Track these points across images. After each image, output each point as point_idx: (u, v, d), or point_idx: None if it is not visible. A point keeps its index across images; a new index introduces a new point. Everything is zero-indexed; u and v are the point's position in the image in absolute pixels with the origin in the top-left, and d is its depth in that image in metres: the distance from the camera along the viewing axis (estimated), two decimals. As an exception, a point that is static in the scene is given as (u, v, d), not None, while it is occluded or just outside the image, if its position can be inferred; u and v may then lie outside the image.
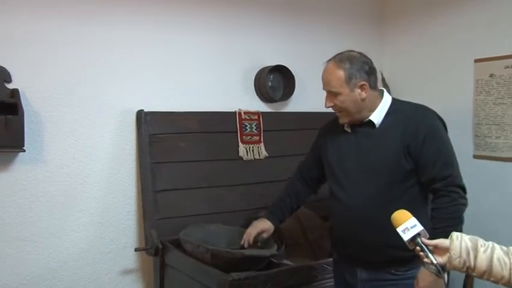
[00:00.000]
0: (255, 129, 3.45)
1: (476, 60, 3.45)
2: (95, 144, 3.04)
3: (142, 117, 3.11)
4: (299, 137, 3.42)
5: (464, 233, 3.16)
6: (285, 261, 2.72)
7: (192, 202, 3.13)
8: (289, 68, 3.55)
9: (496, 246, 1.62)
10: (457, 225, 2.09)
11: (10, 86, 2.75)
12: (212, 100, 3.38)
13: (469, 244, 1.62)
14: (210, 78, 3.40)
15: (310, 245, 2.96)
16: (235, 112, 3.41)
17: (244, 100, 3.52)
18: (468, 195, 3.42)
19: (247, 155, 3.37)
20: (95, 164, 3.05)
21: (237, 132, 3.38)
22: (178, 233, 2.75)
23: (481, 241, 1.64)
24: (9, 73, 2.75)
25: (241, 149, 3.38)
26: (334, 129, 2.41)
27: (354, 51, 2.28)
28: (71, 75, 2.95)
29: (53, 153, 2.91)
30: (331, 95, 2.23)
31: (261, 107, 3.58)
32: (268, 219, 2.57)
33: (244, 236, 2.58)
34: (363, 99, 2.20)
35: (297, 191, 2.62)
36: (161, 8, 3.21)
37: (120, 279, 3.14)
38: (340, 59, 2.21)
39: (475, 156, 3.49)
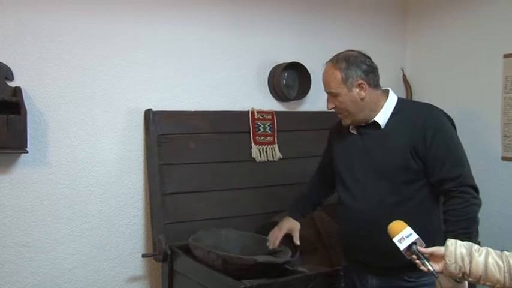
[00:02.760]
0: (269, 130, 3.45)
1: (505, 56, 3.41)
2: (101, 145, 3.05)
3: (151, 117, 3.11)
4: (315, 138, 3.41)
5: (490, 235, 3.15)
6: (300, 268, 2.68)
7: (203, 206, 3.14)
8: (305, 65, 3.54)
9: (490, 250, 1.70)
10: (472, 226, 2.11)
11: (12, 84, 2.77)
12: (224, 99, 3.39)
13: (464, 250, 1.70)
14: (222, 76, 3.40)
15: (326, 251, 2.96)
16: (247, 111, 3.41)
17: (257, 99, 3.52)
18: (495, 198, 3.42)
19: (260, 157, 3.37)
20: (101, 166, 3.06)
21: (249, 132, 3.37)
22: (187, 238, 2.75)
23: (475, 246, 1.72)
24: (11, 70, 2.76)
25: (254, 150, 3.37)
26: (341, 131, 2.49)
27: (352, 50, 2.35)
28: (76, 73, 2.96)
29: (57, 155, 2.92)
30: (331, 96, 2.32)
31: (275, 106, 3.57)
32: (291, 216, 2.68)
33: (271, 238, 2.68)
34: (362, 99, 2.27)
35: (318, 190, 2.72)
36: (169, 5, 3.22)
37: (128, 285, 3.15)
38: (337, 59, 2.30)
39: (504, 158, 3.46)
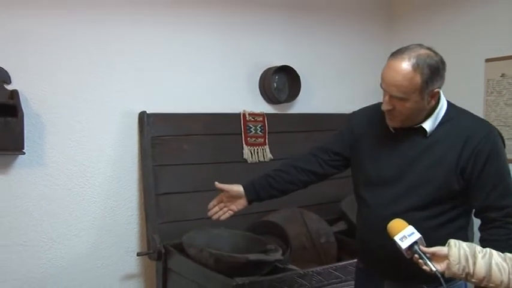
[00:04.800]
0: (260, 131, 3.46)
1: (487, 60, 3.45)
2: (96, 147, 3.06)
3: (145, 119, 3.12)
4: (304, 139, 3.41)
5: (475, 234, 3.11)
6: (290, 266, 2.71)
7: (196, 205, 3.09)
8: (295, 69, 3.55)
9: (493, 252, 1.67)
10: None
11: (9, 87, 2.77)
12: (216, 101, 3.40)
13: (468, 250, 1.66)
14: (214, 79, 3.41)
15: (316, 250, 2.97)
16: (239, 114, 3.42)
17: (248, 101, 3.52)
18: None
19: (251, 158, 3.38)
20: (96, 167, 3.07)
21: (241, 134, 3.38)
22: (181, 237, 2.77)
23: (478, 247, 1.68)
24: (8, 74, 2.76)
25: (246, 151, 3.39)
26: (374, 124, 2.16)
27: (423, 46, 1.99)
28: (72, 76, 2.97)
29: (53, 156, 2.93)
30: (396, 99, 1.95)
31: (266, 108, 3.59)
32: (245, 189, 2.32)
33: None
34: (430, 108, 1.99)
35: (300, 178, 2.33)
36: (163, 10, 3.23)
37: (122, 284, 3.16)
38: (417, 58, 1.91)
39: (486, 158, 3.49)
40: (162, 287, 3.00)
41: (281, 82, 3.60)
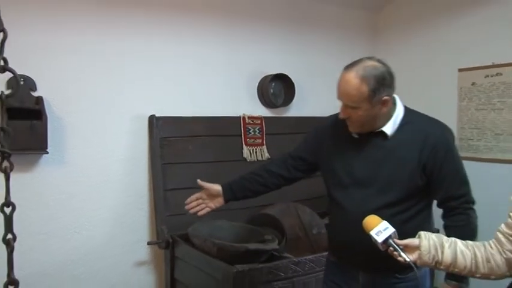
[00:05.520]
0: (258, 133, 3.48)
1: (460, 70, 3.51)
2: (111, 147, 3.07)
3: (154, 122, 3.13)
4: (298, 140, 3.37)
5: None
6: (286, 255, 2.74)
7: (200, 200, 3.16)
8: (290, 76, 3.58)
9: (458, 240, 1.69)
10: (475, 239, 1.98)
11: (35, 94, 2.78)
12: (218, 106, 3.40)
13: (436, 241, 1.68)
14: (217, 86, 3.42)
15: (309, 240, 2.98)
16: (239, 117, 3.44)
17: (248, 106, 3.54)
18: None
19: (250, 157, 3.40)
20: (111, 165, 3.08)
21: (241, 135, 3.40)
22: (187, 228, 2.79)
23: (444, 238, 1.70)
24: (34, 82, 2.77)
25: (245, 151, 3.41)
26: (338, 132, 2.14)
27: (373, 58, 2.00)
28: (90, 84, 2.98)
29: (73, 155, 2.94)
30: (349, 107, 1.95)
31: (264, 112, 3.61)
32: (224, 189, 2.33)
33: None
34: (383, 114, 1.98)
35: (273, 181, 2.34)
36: (171, 26, 3.24)
37: (135, 270, 3.17)
38: (364, 71, 1.91)
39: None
40: (170, 273, 3.01)
41: (277, 88, 3.62)
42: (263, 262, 2.56)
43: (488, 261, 1.63)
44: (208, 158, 3.26)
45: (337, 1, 3.89)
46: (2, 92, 1.24)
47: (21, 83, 2.68)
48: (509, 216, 1.61)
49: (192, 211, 2.34)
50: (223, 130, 3.36)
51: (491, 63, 3.30)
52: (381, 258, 1.90)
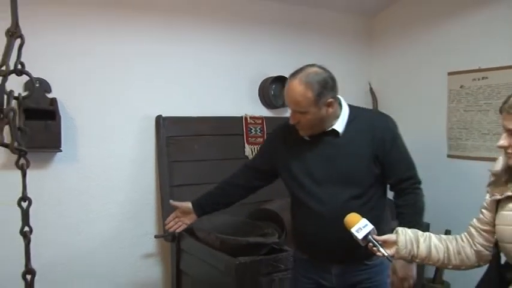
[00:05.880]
0: (259, 132, 3.48)
1: (449, 73, 3.52)
2: (120, 145, 3.08)
3: (161, 122, 3.14)
4: None
5: (438, 218, 3.14)
6: (285, 248, 2.71)
7: (204, 195, 3.16)
8: (289, 79, 3.57)
9: (432, 235, 1.74)
10: (422, 216, 2.11)
11: (50, 95, 2.79)
12: (222, 106, 3.40)
13: (412, 236, 1.72)
14: (220, 87, 3.42)
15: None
16: (241, 117, 3.44)
17: (249, 106, 3.53)
18: (442, 188, 3.48)
19: (252, 155, 3.37)
20: (121, 163, 3.08)
21: (243, 134, 3.40)
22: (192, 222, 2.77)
23: (419, 232, 1.75)
24: (49, 85, 2.79)
25: (247, 149, 3.41)
26: (290, 137, 2.15)
27: (315, 65, 2.02)
28: (100, 87, 2.99)
29: (85, 153, 2.95)
30: (298, 113, 1.99)
31: (265, 112, 3.60)
32: (194, 208, 2.37)
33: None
34: (329, 115, 2.01)
35: (238, 191, 2.38)
36: (178, 27, 3.25)
37: (143, 261, 3.17)
38: (307, 77, 1.94)
39: (449, 156, 3.57)
40: (176, 264, 3.03)
41: (277, 90, 3.59)
42: (264, 255, 2.56)
43: (459, 253, 1.69)
44: (212, 156, 3.25)
45: (334, 6, 3.88)
46: (20, 93, 1.26)
47: (37, 85, 2.70)
48: (481, 212, 1.68)
49: (171, 230, 2.43)
50: (226, 129, 3.36)
51: (477, 68, 3.31)
52: (350, 249, 1.96)
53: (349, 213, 1.85)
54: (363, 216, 1.75)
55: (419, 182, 2.13)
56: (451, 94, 3.52)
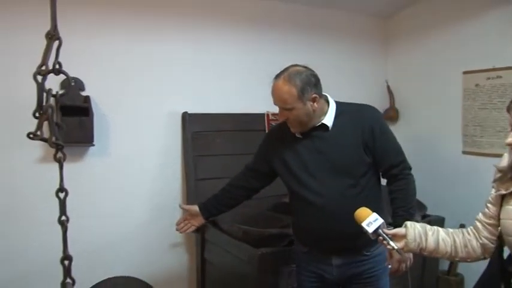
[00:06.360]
0: (280, 128, 3.46)
1: (464, 72, 3.47)
2: (149, 140, 3.10)
3: (187, 118, 3.16)
4: None
5: (453, 213, 3.10)
6: None
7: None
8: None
9: (440, 229, 1.74)
10: (414, 200, 2.12)
11: (83, 93, 2.82)
12: (245, 103, 3.40)
13: (421, 230, 1.72)
14: (243, 85, 3.42)
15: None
16: (264, 114, 3.43)
17: (271, 104, 3.44)
18: (457, 184, 3.44)
19: None
20: (148, 156, 3.10)
21: (265, 130, 3.38)
22: None
23: (428, 226, 1.75)
24: (83, 83, 2.81)
25: (268, 144, 3.41)
26: (284, 136, 2.19)
27: (298, 65, 2.07)
28: (130, 85, 3.01)
29: (116, 148, 2.97)
30: (285, 110, 2.04)
31: (286, 110, 3.58)
32: (201, 210, 2.47)
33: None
34: (315, 110, 2.04)
35: (242, 193, 2.45)
36: (203, 28, 3.26)
37: (169, 250, 3.19)
38: (289, 76, 2.00)
39: (464, 152, 3.53)
40: (201, 254, 3.04)
41: (297, 88, 3.58)
42: (285, 246, 2.55)
43: (465, 246, 1.69)
44: (235, 151, 3.25)
45: (348, 8, 3.85)
46: (57, 92, 1.28)
47: (72, 84, 2.73)
48: (486, 207, 1.68)
49: (181, 231, 2.56)
50: (248, 125, 3.36)
51: (492, 67, 3.27)
52: (350, 240, 2.03)
53: (344, 203, 1.91)
54: (359, 206, 1.78)
55: (410, 168, 2.14)
56: (466, 92, 3.47)
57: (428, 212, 3.26)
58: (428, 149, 3.77)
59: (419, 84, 3.88)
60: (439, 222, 3.14)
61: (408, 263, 2.07)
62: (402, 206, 2.06)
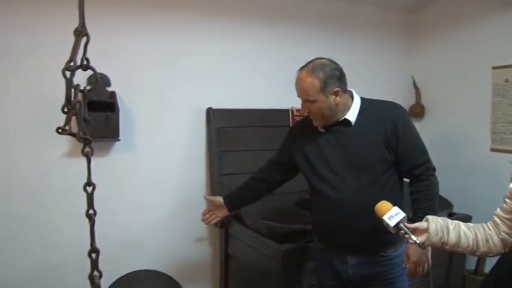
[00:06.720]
0: (304, 124, 3.44)
1: (493, 67, 3.39)
2: (173, 136, 3.12)
3: (211, 114, 3.17)
4: None
5: (480, 210, 3.07)
6: None
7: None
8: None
9: (461, 223, 1.73)
10: (437, 202, 2.07)
11: (109, 89, 2.86)
12: (269, 99, 3.39)
13: (442, 223, 1.71)
14: (268, 81, 3.41)
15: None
16: (288, 110, 3.41)
17: (296, 100, 3.42)
18: (484, 181, 3.37)
19: None
20: (173, 151, 3.13)
21: (289, 126, 3.31)
22: (240, 209, 2.74)
23: (449, 220, 1.74)
24: (109, 79, 2.85)
25: (292, 140, 3.39)
26: (307, 130, 2.19)
27: (323, 58, 2.06)
28: (155, 81, 3.04)
29: (141, 143, 3.01)
30: (308, 102, 2.04)
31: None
32: (225, 202, 2.48)
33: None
34: (337, 104, 2.02)
35: (265, 186, 2.44)
36: (227, 24, 3.26)
37: (194, 245, 3.22)
38: (313, 68, 2.00)
39: (492, 150, 3.45)
40: (225, 249, 3.06)
41: (321, 84, 3.55)
42: (307, 242, 2.54)
43: (487, 241, 1.69)
44: (259, 147, 3.24)
45: (375, 3, 3.81)
46: (85, 87, 1.30)
47: (99, 79, 2.74)
48: (505, 202, 1.67)
49: (206, 222, 2.56)
50: (272, 121, 3.35)
51: (522, 62, 3.18)
52: (366, 239, 2.01)
53: (363, 200, 1.89)
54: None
55: (434, 169, 2.10)
56: (496, 88, 3.40)
57: (455, 210, 3.21)
58: (455, 146, 3.71)
59: (447, 80, 3.81)
60: (466, 220, 3.07)
61: (426, 265, 2.03)
62: (423, 207, 2.02)
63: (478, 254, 1.73)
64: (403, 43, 4.04)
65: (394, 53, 3.98)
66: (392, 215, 1.71)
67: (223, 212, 2.51)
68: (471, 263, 3.41)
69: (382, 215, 1.72)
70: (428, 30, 3.96)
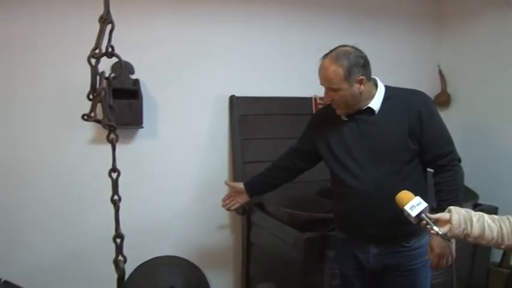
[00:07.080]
0: (327, 112, 3.42)
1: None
2: (197, 123, 3.14)
3: (234, 101, 3.18)
4: None
5: (508, 202, 2.99)
6: None
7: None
8: (357, 61, 3.48)
9: (485, 215, 1.69)
10: (461, 193, 2.03)
11: (133, 76, 2.88)
12: (292, 87, 3.37)
13: (465, 215, 1.67)
14: (291, 69, 3.39)
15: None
16: (311, 98, 3.39)
17: (319, 88, 3.41)
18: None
19: None
20: (197, 139, 3.14)
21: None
22: (262, 197, 2.80)
23: (472, 212, 1.69)
24: (132, 66, 2.87)
25: (315, 128, 3.38)
26: (329, 118, 2.16)
27: (347, 45, 2.02)
28: (179, 69, 3.05)
29: (164, 130, 3.04)
30: (331, 90, 2.00)
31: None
32: (246, 188, 2.48)
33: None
34: (361, 92, 1.99)
35: (286, 174, 2.44)
36: (250, 13, 3.26)
37: (216, 232, 3.24)
38: (337, 55, 1.96)
39: (523, 142, 3.35)
40: (247, 236, 3.08)
41: (345, 72, 3.52)
42: (329, 230, 2.54)
43: None
44: (282, 135, 3.22)
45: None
46: (110, 74, 1.31)
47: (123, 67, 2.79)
48: None
49: (226, 207, 2.57)
50: (295, 109, 3.33)
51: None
52: (388, 229, 1.99)
53: (385, 189, 1.86)
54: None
55: (459, 159, 2.06)
56: (526, 77, 3.30)
57: (481, 201, 3.16)
58: (482, 136, 3.63)
59: (475, 68, 3.72)
60: (492, 212, 3.04)
61: (450, 258, 1.98)
62: (447, 198, 1.98)
63: (503, 247, 1.69)
64: (430, 30, 3.94)
65: (421, 41, 3.89)
66: (414, 204, 1.68)
67: (243, 198, 2.52)
68: (496, 256, 3.36)
69: (404, 205, 1.70)
70: (457, 18, 3.86)
